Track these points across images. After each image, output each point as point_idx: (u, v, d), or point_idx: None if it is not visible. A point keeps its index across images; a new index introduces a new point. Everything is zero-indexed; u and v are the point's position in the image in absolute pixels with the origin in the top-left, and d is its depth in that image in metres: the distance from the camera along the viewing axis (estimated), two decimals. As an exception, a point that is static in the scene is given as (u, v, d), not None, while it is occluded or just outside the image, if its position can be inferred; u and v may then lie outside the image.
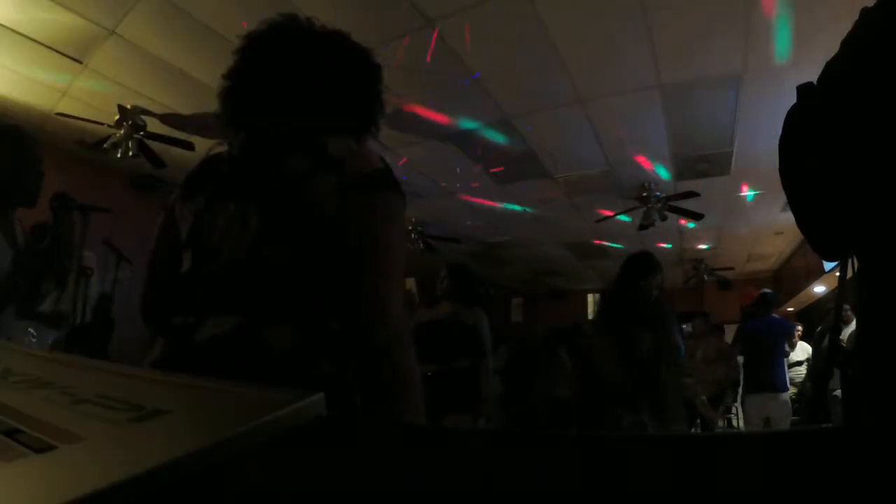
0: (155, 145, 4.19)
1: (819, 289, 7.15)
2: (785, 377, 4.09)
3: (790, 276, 8.27)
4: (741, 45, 3.09)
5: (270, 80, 0.88)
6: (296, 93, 0.88)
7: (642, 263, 2.31)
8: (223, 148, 0.93)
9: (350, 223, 0.79)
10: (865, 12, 0.47)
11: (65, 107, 3.92)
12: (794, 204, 0.54)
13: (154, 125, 4.11)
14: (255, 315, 0.76)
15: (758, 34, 2.97)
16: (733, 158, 4.62)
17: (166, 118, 4.08)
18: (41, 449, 0.25)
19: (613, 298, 2.33)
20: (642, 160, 4.77)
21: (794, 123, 0.54)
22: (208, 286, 0.81)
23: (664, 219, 5.52)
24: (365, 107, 0.95)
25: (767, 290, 4.61)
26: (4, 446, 0.26)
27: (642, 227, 5.64)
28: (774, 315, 4.34)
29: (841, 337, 3.40)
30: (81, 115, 3.90)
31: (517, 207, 5.95)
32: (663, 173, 5.04)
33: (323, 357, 0.77)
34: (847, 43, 0.48)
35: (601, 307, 2.32)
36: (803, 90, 0.53)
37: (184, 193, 0.91)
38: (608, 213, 5.75)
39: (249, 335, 0.75)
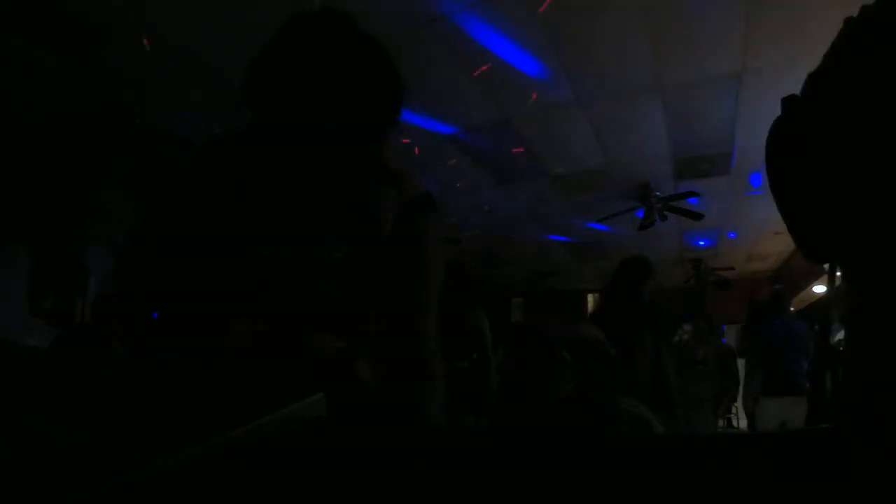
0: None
1: (819, 289, 7.15)
2: (804, 378, 3.91)
3: (790, 276, 8.27)
4: (741, 45, 3.09)
5: (332, 75, 0.83)
6: (352, 95, 0.85)
7: (637, 267, 2.34)
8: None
9: (407, 241, 0.84)
10: (846, 24, 0.47)
11: (65, 106, 3.92)
12: (783, 211, 0.54)
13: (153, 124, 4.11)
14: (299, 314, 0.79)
15: (758, 34, 2.97)
16: (733, 158, 4.63)
17: (166, 117, 4.08)
18: (42, 448, 0.25)
19: (610, 301, 2.34)
20: (642, 160, 4.77)
21: (779, 135, 0.54)
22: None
23: (664, 219, 5.52)
24: (393, 119, 0.93)
25: (779, 286, 4.50)
26: (5, 445, 0.26)
27: (642, 227, 5.64)
28: (790, 313, 4.16)
29: (840, 338, 3.38)
30: (82, 115, 3.90)
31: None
32: (663, 173, 5.04)
33: (363, 360, 0.82)
34: (828, 56, 0.49)
35: (597, 310, 2.35)
36: (788, 102, 0.54)
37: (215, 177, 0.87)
38: (608, 213, 5.75)
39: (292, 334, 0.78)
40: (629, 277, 2.31)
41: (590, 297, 10.33)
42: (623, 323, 2.20)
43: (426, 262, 0.87)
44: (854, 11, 0.57)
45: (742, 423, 5.65)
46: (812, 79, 0.51)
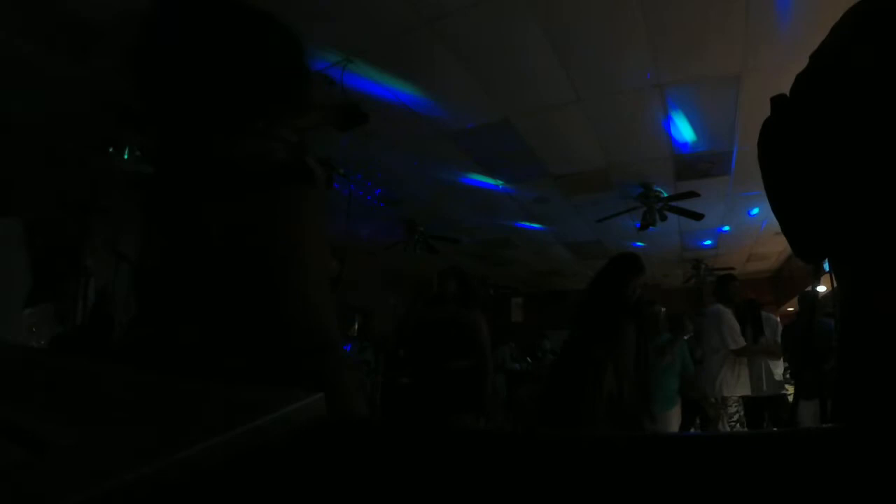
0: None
1: (819, 288, 7.15)
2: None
3: (790, 276, 8.28)
4: (741, 45, 3.09)
5: (175, 61, 0.76)
6: (207, 76, 0.76)
7: (630, 264, 2.40)
8: None
9: (255, 223, 0.75)
10: (835, 27, 0.48)
11: (65, 106, 3.92)
12: (776, 210, 0.54)
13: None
14: (173, 316, 0.75)
15: (758, 34, 2.97)
16: (733, 158, 4.63)
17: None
18: (40, 449, 0.25)
19: (599, 297, 2.36)
20: (642, 160, 4.77)
21: (768, 133, 0.54)
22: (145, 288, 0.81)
23: (664, 219, 5.53)
24: (280, 88, 0.83)
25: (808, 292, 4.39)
26: (4, 446, 0.26)
27: (642, 227, 5.64)
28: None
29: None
30: (82, 115, 3.90)
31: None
32: (663, 173, 5.04)
33: (233, 356, 0.74)
34: (814, 56, 0.49)
35: (585, 305, 2.37)
36: (777, 101, 0.54)
37: None
38: (608, 213, 5.76)
39: (166, 335, 0.74)
40: (620, 274, 2.36)
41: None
42: (610, 319, 2.24)
43: (282, 242, 0.76)
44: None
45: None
46: (800, 79, 0.51)
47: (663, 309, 3.84)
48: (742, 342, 3.60)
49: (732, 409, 3.60)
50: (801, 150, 0.47)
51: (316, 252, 0.80)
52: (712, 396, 3.62)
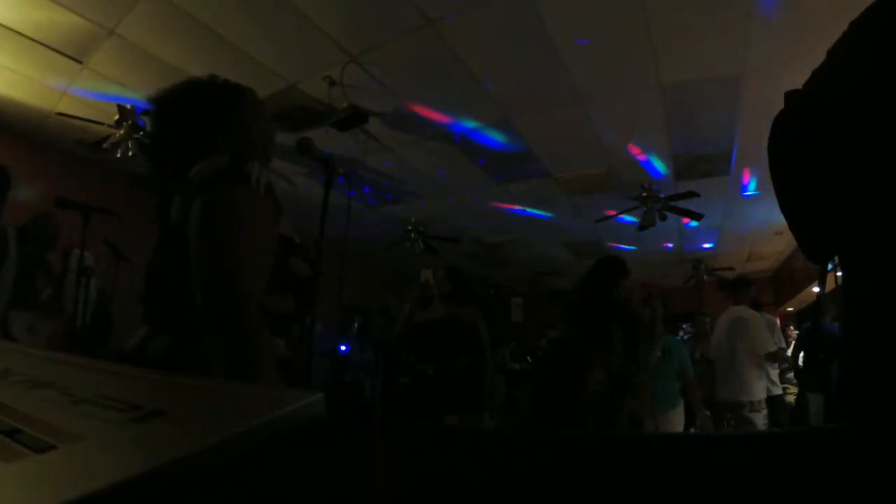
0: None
1: (819, 289, 7.14)
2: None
3: (790, 276, 8.28)
4: (741, 45, 3.09)
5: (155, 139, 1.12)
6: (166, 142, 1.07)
7: (614, 267, 2.35)
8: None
9: (188, 226, 0.88)
10: (853, 24, 0.47)
11: (65, 107, 3.92)
12: (785, 207, 0.54)
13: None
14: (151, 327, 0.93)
15: (758, 34, 2.97)
16: (733, 158, 4.63)
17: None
18: (41, 449, 0.25)
19: (586, 301, 2.32)
20: (642, 160, 4.77)
21: (781, 129, 0.53)
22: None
23: (664, 218, 5.52)
24: (213, 132, 1.04)
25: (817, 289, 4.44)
26: (4, 446, 0.26)
27: (642, 227, 5.63)
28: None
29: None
30: (81, 115, 3.89)
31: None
32: (663, 173, 5.04)
33: (186, 360, 0.85)
34: (833, 53, 0.49)
35: (572, 310, 2.32)
36: (790, 96, 0.53)
37: None
38: (609, 213, 5.75)
39: (142, 346, 0.90)
40: (606, 278, 2.31)
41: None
42: (599, 324, 2.20)
43: (205, 240, 0.86)
44: (855, 12, 0.56)
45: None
46: (816, 75, 0.51)
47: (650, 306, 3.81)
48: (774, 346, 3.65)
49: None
50: (816, 147, 0.46)
51: (251, 244, 0.88)
52: (748, 400, 3.62)
